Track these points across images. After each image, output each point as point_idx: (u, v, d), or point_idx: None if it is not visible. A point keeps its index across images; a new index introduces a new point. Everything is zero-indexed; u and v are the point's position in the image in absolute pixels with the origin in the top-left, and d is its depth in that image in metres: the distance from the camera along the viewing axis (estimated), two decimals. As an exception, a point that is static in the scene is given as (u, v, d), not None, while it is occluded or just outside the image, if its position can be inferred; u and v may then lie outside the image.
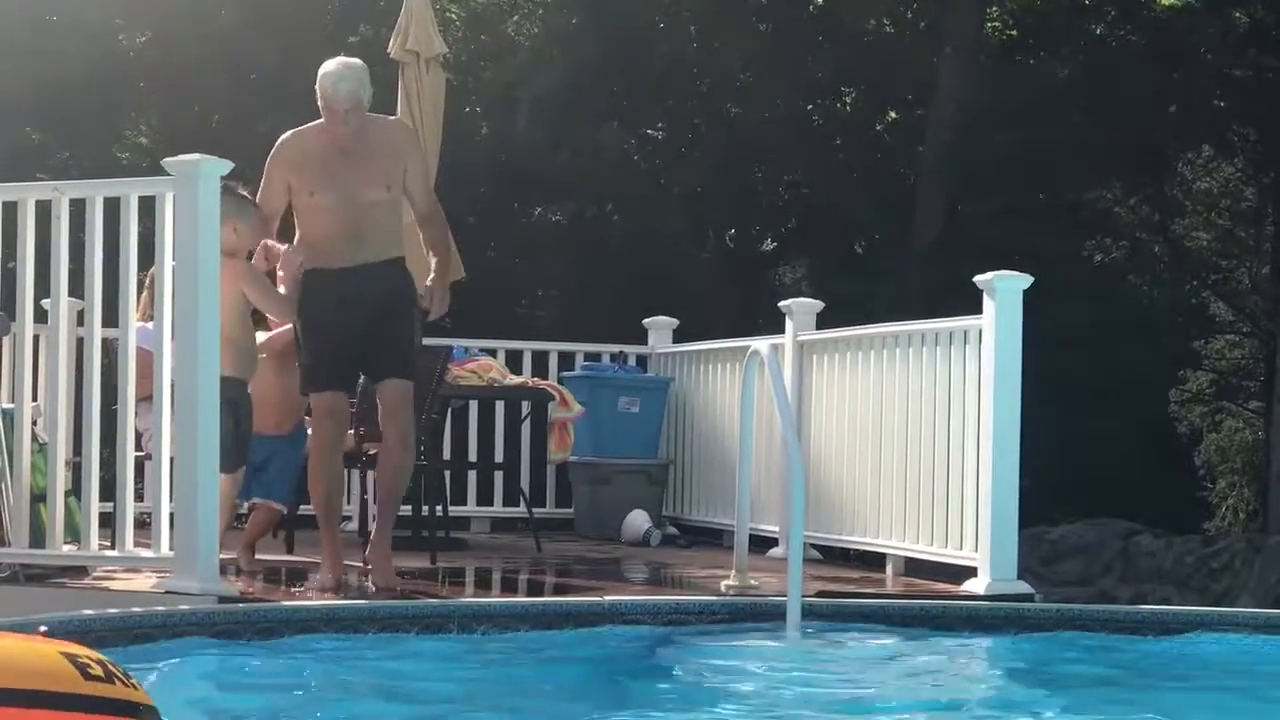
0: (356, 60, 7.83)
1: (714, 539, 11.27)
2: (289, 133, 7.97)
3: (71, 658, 3.11)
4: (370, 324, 7.73)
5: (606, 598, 7.78)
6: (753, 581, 8.28)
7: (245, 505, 8.76)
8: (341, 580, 7.97)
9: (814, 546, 9.96)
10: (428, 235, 8.09)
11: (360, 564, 8.50)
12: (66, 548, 7.83)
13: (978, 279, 8.57)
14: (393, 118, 8.84)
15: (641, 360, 12.54)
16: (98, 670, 3.11)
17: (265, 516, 8.72)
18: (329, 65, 7.74)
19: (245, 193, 8.03)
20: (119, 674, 3.15)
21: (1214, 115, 20.97)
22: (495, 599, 8.51)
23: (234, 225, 7.81)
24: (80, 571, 7.99)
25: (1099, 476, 18.86)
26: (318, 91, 7.73)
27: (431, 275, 7.94)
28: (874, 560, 9.71)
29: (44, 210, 7.72)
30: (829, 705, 6.03)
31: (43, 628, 3.37)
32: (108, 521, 7.75)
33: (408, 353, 7.86)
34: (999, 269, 8.59)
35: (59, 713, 3.02)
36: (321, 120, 7.82)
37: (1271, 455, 19.43)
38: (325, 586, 7.85)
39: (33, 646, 3.15)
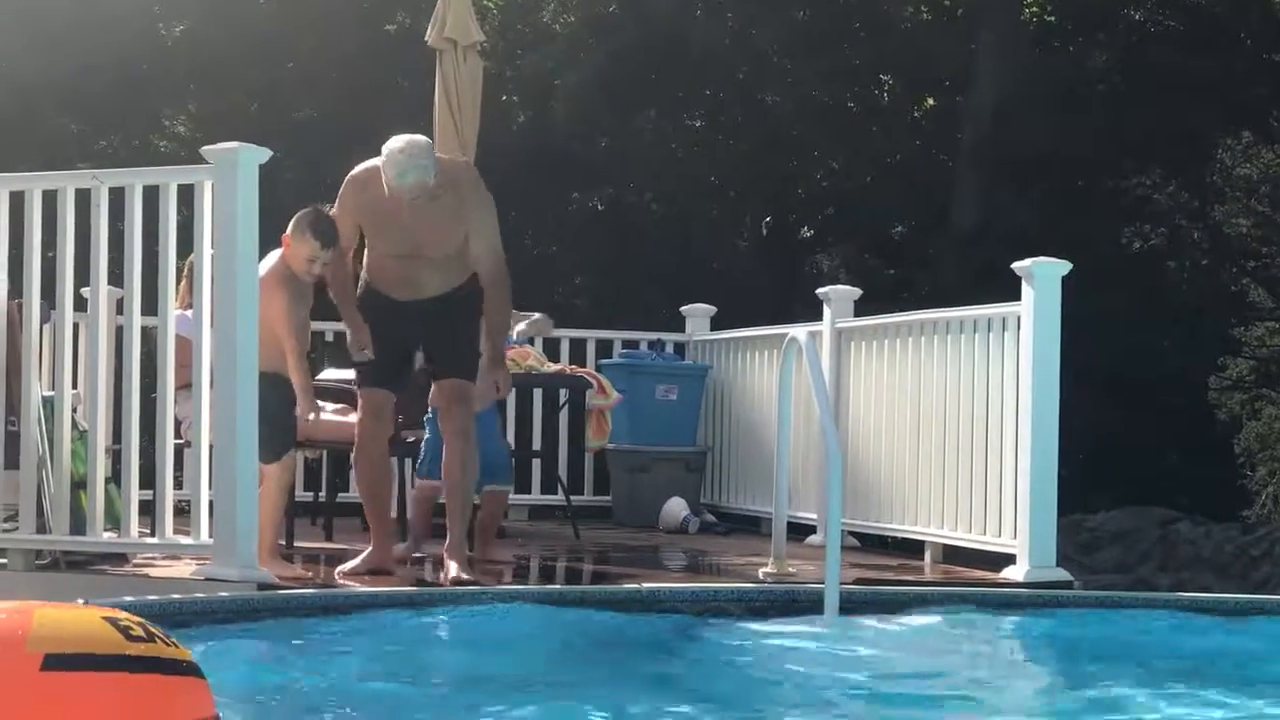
0: (421, 140, 7.58)
1: (752, 526, 11.27)
2: (358, 171, 7.79)
3: (113, 621, 3.18)
4: (428, 334, 7.77)
5: (644, 585, 7.78)
6: (790, 569, 8.28)
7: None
8: (387, 566, 7.95)
9: (852, 534, 9.95)
10: (489, 299, 7.80)
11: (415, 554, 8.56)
12: (106, 535, 7.86)
13: (1016, 266, 8.55)
14: (462, 163, 8.47)
15: (679, 348, 12.54)
16: (139, 631, 3.18)
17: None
18: (394, 149, 7.48)
19: (327, 217, 7.97)
20: (159, 634, 3.22)
21: (1253, 101, 20.86)
22: (533, 586, 8.52)
23: (309, 249, 7.76)
24: (120, 558, 8.02)
25: (1138, 464, 18.79)
26: (382, 168, 7.51)
27: (484, 357, 7.89)
28: (912, 548, 9.70)
29: (84, 199, 7.74)
30: (866, 693, 6.03)
31: (80, 600, 3.42)
32: (147, 509, 7.78)
33: (468, 353, 7.85)
34: (1037, 256, 8.57)
35: (105, 673, 3.08)
36: (368, 167, 7.73)
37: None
38: (370, 568, 7.85)
39: (75, 613, 3.24)
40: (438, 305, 7.71)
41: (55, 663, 3.04)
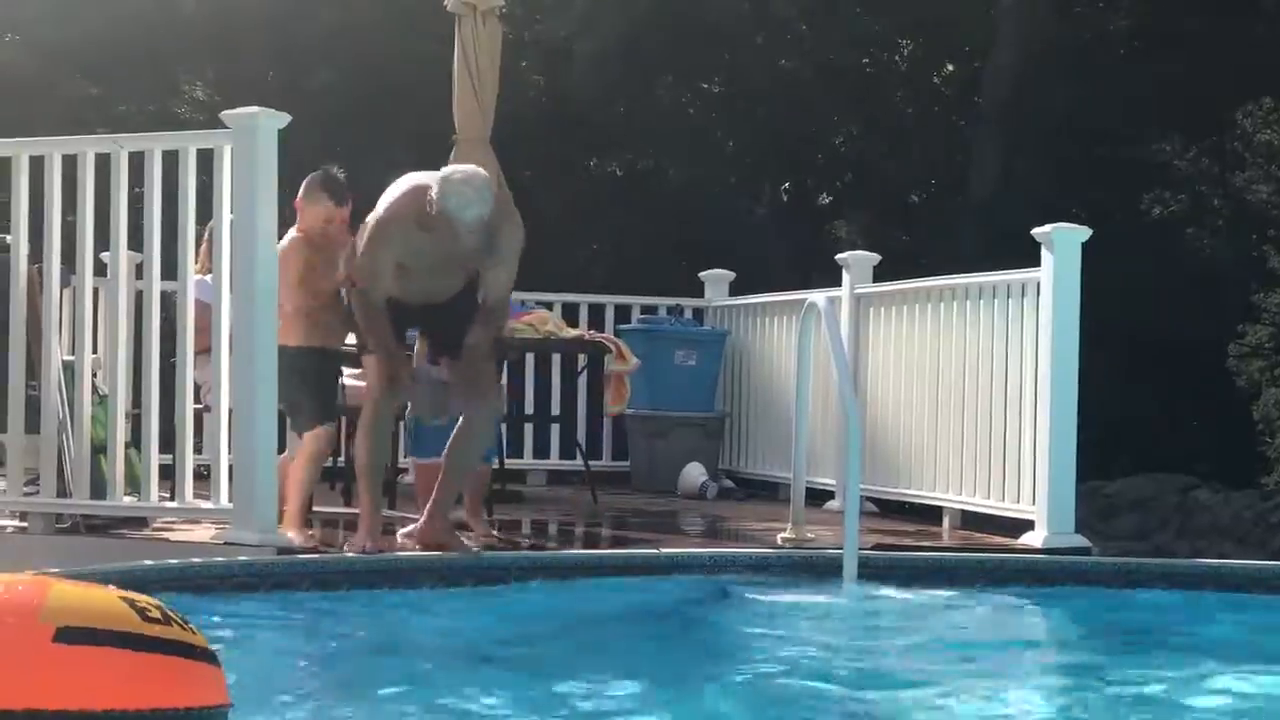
0: (481, 174, 7.34)
1: (770, 492, 11.28)
2: (398, 211, 7.39)
3: (130, 601, 3.19)
4: (427, 319, 7.73)
5: (663, 550, 7.80)
6: (809, 534, 8.28)
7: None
8: (379, 547, 7.77)
9: (870, 499, 9.94)
10: (486, 316, 7.58)
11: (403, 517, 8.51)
12: (126, 499, 7.88)
13: (1036, 231, 8.53)
14: (500, 193, 8.09)
15: (698, 313, 12.53)
16: (156, 613, 3.20)
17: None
18: (456, 180, 7.20)
19: (338, 178, 7.99)
20: (176, 618, 3.22)
21: (1274, 66, 20.76)
22: (552, 551, 8.54)
23: (324, 209, 7.80)
24: (140, 523, 8.05)
25: (1156, 430, 18.76)
26: (438, 199, 7.14)
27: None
28: (930, 513, 9.70)
29: (103, 163, 7.75)
30: (885, 658, 6.04)
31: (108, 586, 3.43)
32: (167, 473, 7.80)
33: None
34: (1056, 222, 8.55)
35: (119, 650, 3.10)
36: (418, 193, 7.35)
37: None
38: (361, 549, 7.67)
39: (92, 590, 3.25)
40: (443, 304, 7.64)
41: (67, 636, 3.06)
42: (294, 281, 7.77)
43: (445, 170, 7.37)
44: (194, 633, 3.23)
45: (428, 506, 7.64)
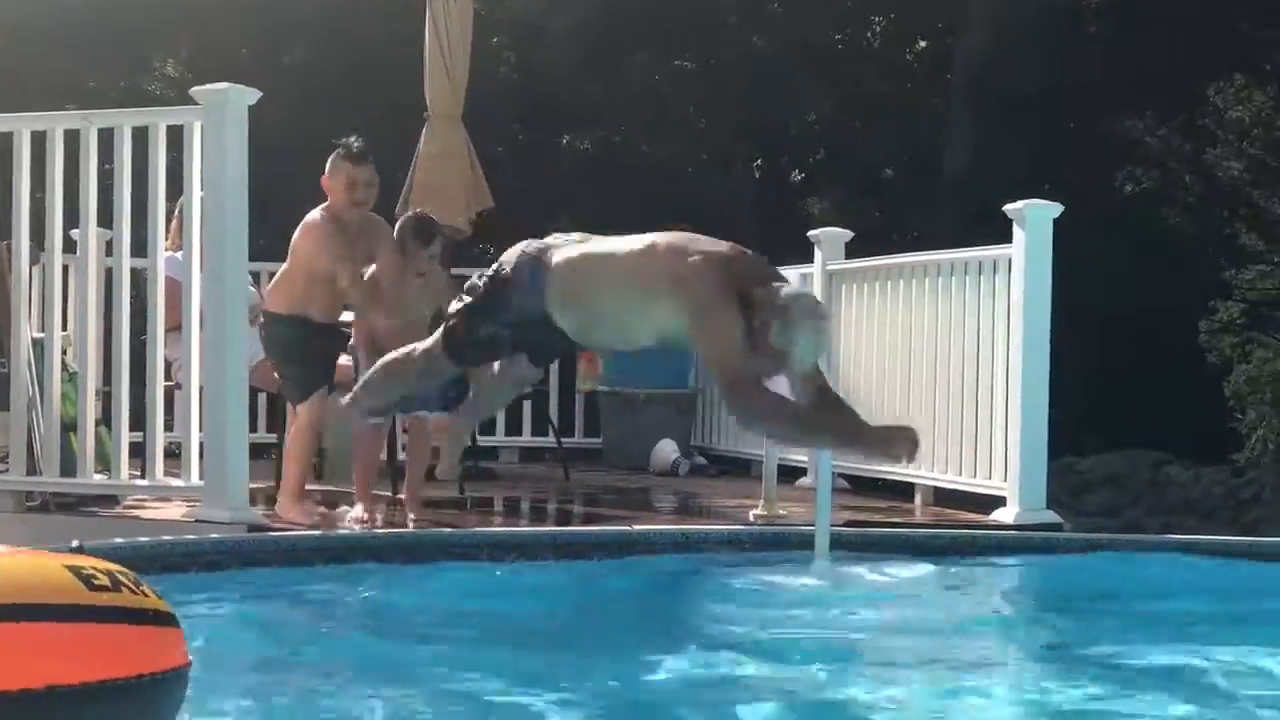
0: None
1: (742, 469, 11.28)
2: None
3: (75, 570, 3.09)
4: None
5: (635, 527, 7.80)
6: (781, 511, 8.28)
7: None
8: (374, 517, 7.88)
9: (842, 476, 9.94)
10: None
11: (389, 494, 8.52)
12: (97, 477, 7.86)
13: (1008, 208, 8.54)
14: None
15: (670, 290, 12.49)
16: (103, 580, 3.10)
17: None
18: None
19: (355, 145, 7.96)
20: (127, 582, 3.13)
21: (1246, 43, 20.81)
22: (524, 528, 8.53)
23: (345, 172, 7.81)
24: (110, 500, 8.04)
25: (1128, 407, 18.81)
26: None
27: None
28: (903, 490, 9.71)
29: (73, 140, 7.72)
30: (857, 634, 6.04)
31: (75, 542, 3.36)
32: (138, 451, 7.79)
33: None
34: (1028, 198, 8.55)
35: (64, 624, 3.01)
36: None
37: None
38: (359, 520, 7.77)
39: (35, 561, 3.14)
40: None
41: (5, 614, 2.96)
42: (298, 256, 7.76)
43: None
44: (147, 595, 3.14)
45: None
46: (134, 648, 3.08)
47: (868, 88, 20.76)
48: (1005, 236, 8.58)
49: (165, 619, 3.17)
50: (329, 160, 7.85)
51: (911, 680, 5.24)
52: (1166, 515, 15.66)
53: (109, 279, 7.95)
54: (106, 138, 7.68)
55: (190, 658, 3.19)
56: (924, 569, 7.17)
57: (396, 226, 7.89)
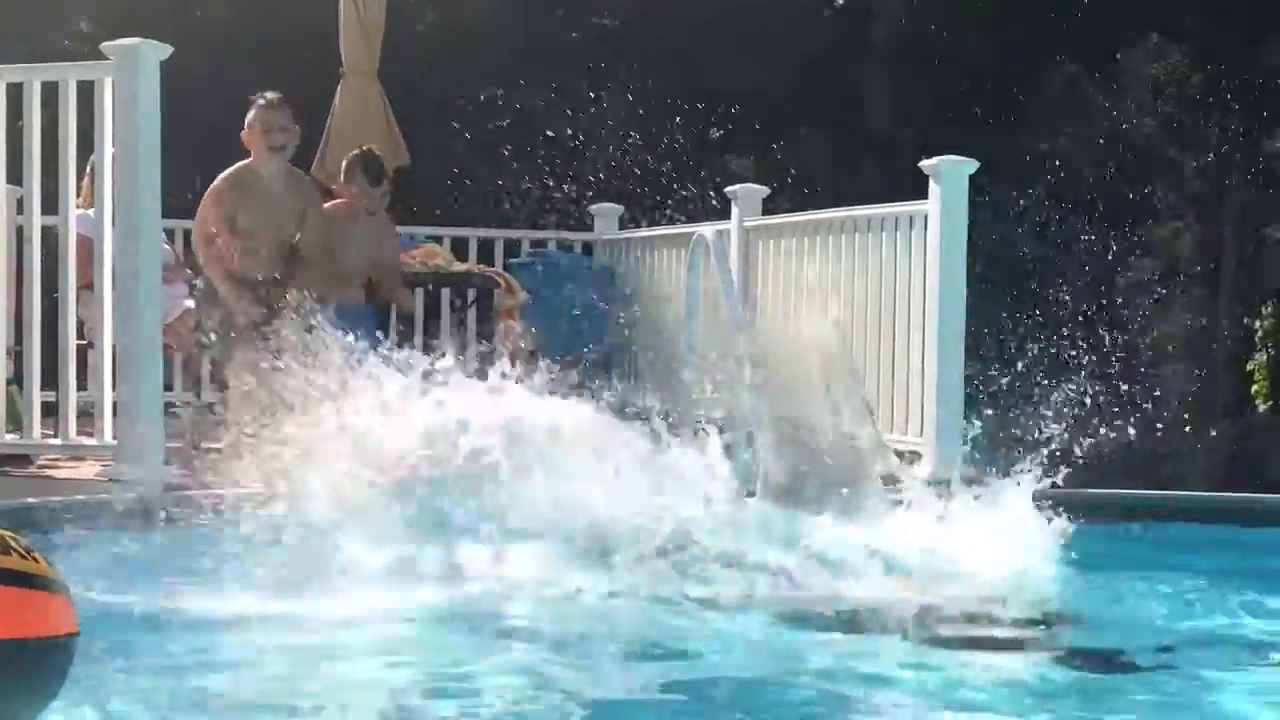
0: None
1: (661, 426, 11.26)
2: None
3: None
4: None
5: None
6: (699, 467, 8.27)
7: None
8: None
9: (760, 433, 9.96)
10: None
11: None
12: (9, 436, 7.80)
13: (924, 164, 8.57)
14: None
15: (587, 247, 12.50)
16: None
17: None
18: None
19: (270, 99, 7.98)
20: (18, 548, 3.09)
21: (1164, 2, 20.92)
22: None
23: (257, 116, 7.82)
24: (23, 460, 7.96)
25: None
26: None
27: None
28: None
29: (-20, 96, 7.64)
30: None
31: None
32: (51, 410, 7.72)
33: None
34: (946, 155, 8.58)
35: None
36: None
37: (1216, 342, 19.52)
38: None
39: None
40: None
41: None
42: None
43: None
44: (36, 560, 3.10)
45: None
46: (20, 612, 3.03)
47: (787, 45, 20.76)
48: (924, 194, 8.60)
49: (53, 585, 3.13)
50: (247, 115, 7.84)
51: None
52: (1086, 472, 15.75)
53: (19, 236, 7.87)
54: (16, 93, 7.59)
55: (78, 627, 3.15)
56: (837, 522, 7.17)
57: (344, 162, 7.91)
